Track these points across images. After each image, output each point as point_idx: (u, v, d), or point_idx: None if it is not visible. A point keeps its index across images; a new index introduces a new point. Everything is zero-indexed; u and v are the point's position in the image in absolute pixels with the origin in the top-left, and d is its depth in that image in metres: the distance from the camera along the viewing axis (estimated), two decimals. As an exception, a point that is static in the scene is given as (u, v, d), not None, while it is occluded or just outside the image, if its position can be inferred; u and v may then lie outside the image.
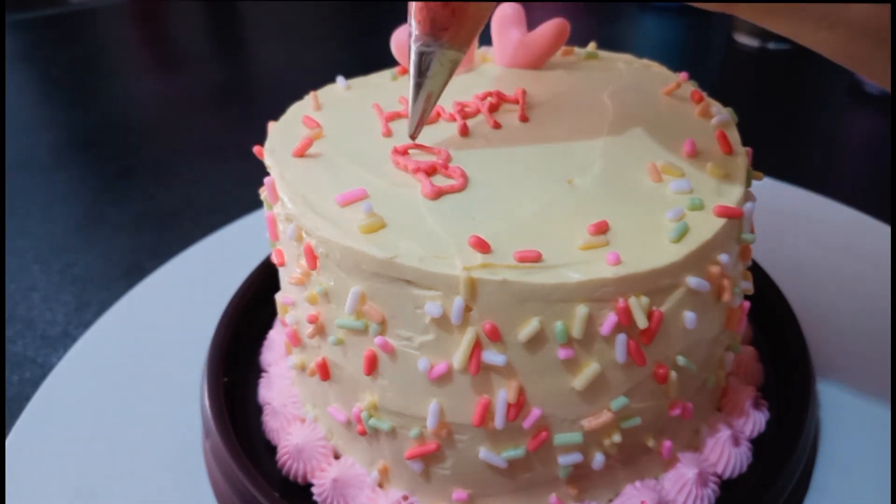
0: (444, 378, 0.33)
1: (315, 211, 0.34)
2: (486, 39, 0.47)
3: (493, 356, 0.32)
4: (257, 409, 0.46)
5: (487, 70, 0.47)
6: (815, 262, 0.57)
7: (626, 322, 0.31)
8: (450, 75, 0.36)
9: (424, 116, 0.37)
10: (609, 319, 0.31)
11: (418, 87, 0.36)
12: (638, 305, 0.31)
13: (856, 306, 0.53)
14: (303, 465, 0.41)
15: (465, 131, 0.40)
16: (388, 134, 0.40)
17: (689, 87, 0.44)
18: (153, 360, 0.51)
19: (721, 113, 0.41)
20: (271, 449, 0.43)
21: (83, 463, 0.44)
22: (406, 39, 0.45)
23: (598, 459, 0.35)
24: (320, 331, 0.37)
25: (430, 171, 0.36)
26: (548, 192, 0.35)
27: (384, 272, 0.32)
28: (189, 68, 1.15)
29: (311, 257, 0.34)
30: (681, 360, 0.35)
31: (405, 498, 0.39)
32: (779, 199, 0.64)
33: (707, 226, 0.33)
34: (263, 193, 0.40)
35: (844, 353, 0.49)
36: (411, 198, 0.35)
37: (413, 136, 0.37)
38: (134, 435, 0.46)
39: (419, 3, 0.34)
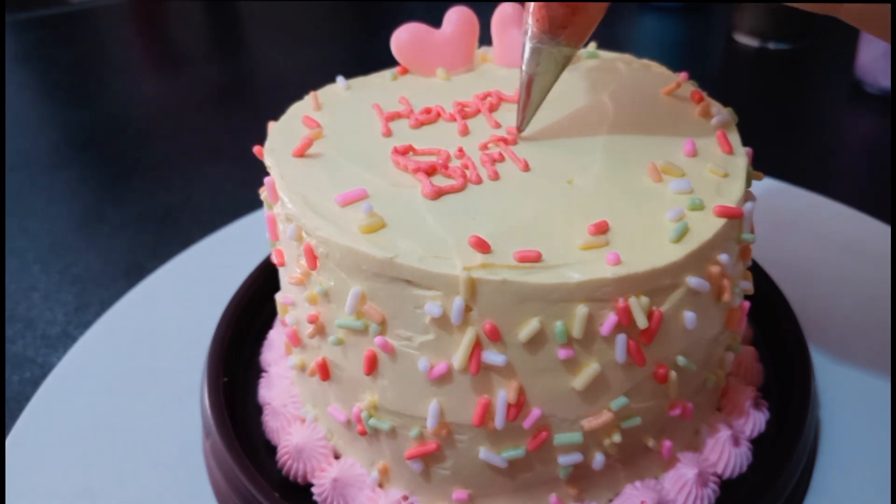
0: (444, 378, 0.33)
1: (315, 211, 0.34)
2: (486, 39, 0.47)
3: (493, 356, 0.32)
4: (257, 409, 0.46)
5: (487, 70, 0.47)
6: (815, 262, 0.57)
7: (626, 322, 0.31)
8: (562, 70, 0.37)
9: (535, 111, 0.38)
10: (609, 319, 0.31)
11: (531, 82, 0.37)
12: (638, 305, 0.31)
13: (856, 306, 0.53)
14: (303, 465, 0.41)
15: (464, 131, 0.40)
16: (388, 134, 0.40)
17: (689, 87, 0.44)
18: (153, 360, 0.51)
19: (721, 113, 0.41)
20: (271, 449, 0.43)
21: (83, 463, 0.44)
22: (406, 40, 0.45)
23: (598, 459, 0.35)
24: (320, 331, 0.37)
25: (430, 171, 0.36)
26: (548, 192, 0.35)
27: (384, 272, 0.32)
28: (189, 68, 1.15)
29: (311, 257, 0.34)
30: (681, 360, 0.35)
31: (405, 498, 0.39)
32: (779, 199, 0.64)
33: (707, 226, 0.33)
34: (263, 193, 0.40)
35: (844, 352, 0.49)
36: (411, 198, 0.35)
37: (521, 130, 0.38)
38: (134, 435, 0.46)
39: (538, 3, 0.34)
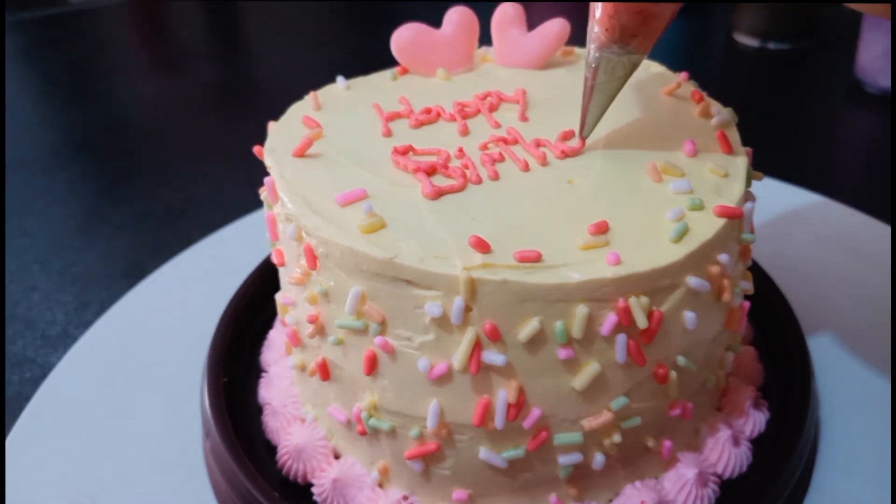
0: (444, 378, 0.33)
1: (315, 211, 0.34)
2: (486, 39, 0.48)
3: (493, 356, 0.32)
4: (257, 409, 0.46)
5: (487, 70, 0.47)
6: (815, 262, 0.57)
7: (626, 322, 0.31)
8: (629, 77, 0.37)
9: (598, 118, 0.38)
10: (609, 319, 0.31)
11: (596, 89, 0.37)
12: (638, 305, 0.31)
13: (856, 306, 0.53)
14: (303, 465, 0.41)
15: (465, 131, 0.40)
16: (388, 134, 0.40)
17: (689, 87, 0.44)
18: (153, 360, 0.51)
19: (721, 113, 0.41)
20: (271, 449, 0.43)
21: (83, 463, 0.44)
22: (406, 40, 0.45)
23: (598, 459, 0.35)
24: (320, 331, 0.37)
25: (430, 171, 0.36)
26: (548, 192, 0.35)
27: (384, 272, 0.32)
28: (189, 68, 1.15)
29: (311, 257, 0.34)
30: (681, 360, 0.35)
31: (405, 498, 0.39)
32: (779, 199, 0.64)
33: (707, 226, 0.33)
34: (263, 193, 0.40)
35: (844, 353, 0.49)
36: (411, 198, 0.35)
37: (584, 137, 0.38)
38: (134, 435, 0.46)
39: (608, 11, 0.34)
